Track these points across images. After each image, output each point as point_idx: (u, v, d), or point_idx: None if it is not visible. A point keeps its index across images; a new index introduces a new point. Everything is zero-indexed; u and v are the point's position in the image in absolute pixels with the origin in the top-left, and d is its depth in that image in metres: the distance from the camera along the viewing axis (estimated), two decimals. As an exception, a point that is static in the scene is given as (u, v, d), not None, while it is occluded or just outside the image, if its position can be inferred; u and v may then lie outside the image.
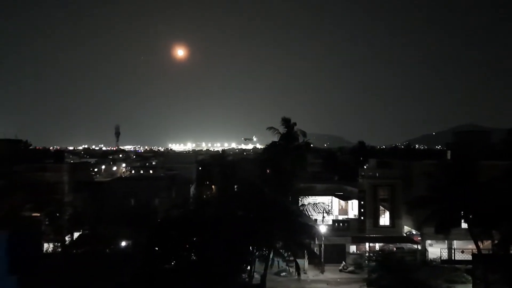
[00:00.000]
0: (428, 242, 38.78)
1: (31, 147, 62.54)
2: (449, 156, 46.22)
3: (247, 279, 27.59)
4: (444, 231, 29.28)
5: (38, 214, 29.72)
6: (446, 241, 37.68)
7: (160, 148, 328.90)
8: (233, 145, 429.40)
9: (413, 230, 40.60)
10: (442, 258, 37.36)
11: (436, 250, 38.46)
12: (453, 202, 28.38)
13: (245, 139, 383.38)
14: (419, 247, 37.87)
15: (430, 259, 36.42)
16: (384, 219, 39.78)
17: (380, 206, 39.86)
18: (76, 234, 34.19)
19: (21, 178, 29.52)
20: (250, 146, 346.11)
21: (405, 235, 40.24)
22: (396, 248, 36.87)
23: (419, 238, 38.83)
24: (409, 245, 37.99)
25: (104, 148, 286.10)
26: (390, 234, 38.55)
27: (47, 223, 30.68)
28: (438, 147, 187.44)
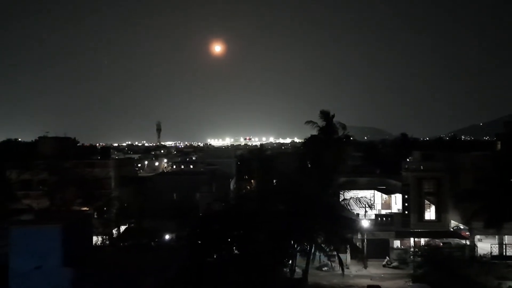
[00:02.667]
0: (477, 237, 37.22)
1: (78, 144, 65.23)
2: (499, 147, 44.04)
3: (288, 273, 27.63)
4: (495, 226, 28.02)
5: (88, 208, 31.13)
6: (496, 236, 36.05)
7: (199, 143, 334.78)
8: (271, 139, 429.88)
9: (460, 224, 39.10)
10: (492, 254, 35.81)
11: (486, 246, 36.87)
12: (504, 195, 27.06)
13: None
14: (468, 242, 36.42)
15: (480, 255, 34.93)
16: (430, 213, 38.53)
17: (425, 200, 38.63)
18: (122, 228, 35.49)
19: (72, 174, 30.95)
20: (288, 140, 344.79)
21: (452, 229, 38.83)
22: (442, 243, 35.67)
23: (468, 233, 37.34)
24: (456, 240, 36.62)
25: (146, 144, 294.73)
26: (436, 229, 37.30)
27: (95, 217, 32.10)
28: (486, 138, 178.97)
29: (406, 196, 38.71)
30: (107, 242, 30.00)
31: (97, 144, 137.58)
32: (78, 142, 65.87)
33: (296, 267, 29.29)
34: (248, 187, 62.60)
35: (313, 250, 28.67)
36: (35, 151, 43.43)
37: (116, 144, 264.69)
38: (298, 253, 29.39)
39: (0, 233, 18.10)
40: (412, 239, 37.89)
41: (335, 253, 29.26)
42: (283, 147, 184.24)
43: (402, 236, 38.08)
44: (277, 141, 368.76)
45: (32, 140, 58.55)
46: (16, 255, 13.44)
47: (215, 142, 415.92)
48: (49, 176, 32.54)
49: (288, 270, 27.69)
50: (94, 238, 28.97)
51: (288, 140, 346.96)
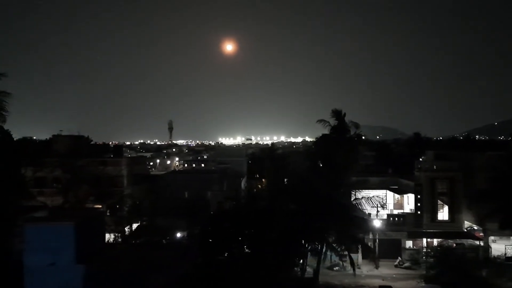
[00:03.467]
0: (492, 238, 36.67)
1: (91, 143, 65.88)
2: (514, 147, 43.30)
3: (299, 273, 27.57)
4: (510, 227, 27.59)
5: (100, 206, 31.48)
6: (511, 237, 35.47)
7: (210, 142, 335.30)
8: (282, 138, 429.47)
9: (474, 225, 38.58)
10: (506, 255, 35.29)
11: (500, 247, 36.31)
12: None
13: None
14: (482, 243, 35.93)
15: (494, 256, 34.46)
16: (443, 214, 38.09)
17: (438, 200, 38.20)
18: (134, 225, 35.79)
19: (85, 172, 31.28)
20: (299, 139, 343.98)
21: (465, 230, 38.34)
22: (456, 244, 35.22)
23: (481, 234, 36.83)
24: (470, 241, 36.14)
25: (158, 143, 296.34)
26: (449, 230, 36.86)
27: (108, 214, 32.42)
28: (501, 137, 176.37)
29: (418, 196, 38.33)
30: (120, 240, 30.25)
31: (110, 143, 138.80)
32: (91, 140, 66.51)
33: (307, 267, 29.21)
34: (259, 186, 62.60)
35: (324, 250, 28.56)
36: (49, 149, 44.02)
37: (128, 143, 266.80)
38: (309, 253, 29.30)
39: (15, 230, 18.40)
40: (424, 240, 37.51)
41: (346, 253, 29.11)
42: (294, 146, 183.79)
43: (414, 236, 37.73)
44: (288, 140, 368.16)
45: (46, 138, 59.37)
46: (30, 252, 13.64)
47: (226, 141, 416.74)
48: (63, 174, 32.93)
49: (299, 269, 27.63)
50: (107, 236, 29.28)
51: (299, 139, 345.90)
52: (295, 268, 27.01)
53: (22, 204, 23.75)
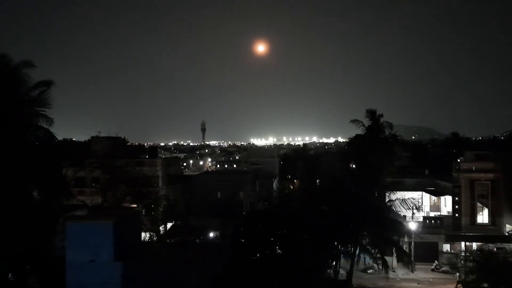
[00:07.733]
0: (536, 242, 35.03)
1: (128, 144, 67.56)
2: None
3: (332, 275, 27.35)
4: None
5: (137, 206, 32.31)
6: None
7: (243, 143, 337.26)
8: (314, 139, 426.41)
9: (517, 229, 36.97)
10: (553, 261, 33.51)
11: (546, 252, 34.57)
12: None
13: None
14: (525, 248, 34.33)
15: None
16: (483, 217, 36.78)
17: (478, 203, 36.88)
18: (169, 224, 36.56)
19: (122, 172, 32.17)
20: (331, 140, 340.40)
21: (507, 234, 36.81)
22: (497, 248, 33.86)
23: (525, 238, 35.25)
24: (512, 246, 34.68)
25: (191, 144, 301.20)
26: (490, 233, 35.55)
27: (144, 213, 33.26)
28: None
29: (457, 198, 37.16)
30: (155, 238, 30.97)
31: (145, 144, 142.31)
32: (128, 141, 68.33)
33: (340, 269, 28.95)
34: (291, 187, 62.52)
35: (357, 252, 28.23)
36: (89, 150, 45.54)
37: (163, 144, 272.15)
38: (342, 255, 29.02)
39: (58, 227, 19.25)
40: (463, 243, 36.33)
41: (381, 255, 28.64)
42: (326, 147, 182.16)
43: (452, 239, 36.61)
44: (320, 141, 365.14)
45: (85, 140, 61.44)
46: (71, 249, 14.19)
47: (258, 141, 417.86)
48: (102, 174, 34.01)
49: (332, 271, 27.42)
50: (143, 234, 30.01)
51: (331, 140, 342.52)
52: (328, 270, 26.83)
53: (63, 203, 24.70)
